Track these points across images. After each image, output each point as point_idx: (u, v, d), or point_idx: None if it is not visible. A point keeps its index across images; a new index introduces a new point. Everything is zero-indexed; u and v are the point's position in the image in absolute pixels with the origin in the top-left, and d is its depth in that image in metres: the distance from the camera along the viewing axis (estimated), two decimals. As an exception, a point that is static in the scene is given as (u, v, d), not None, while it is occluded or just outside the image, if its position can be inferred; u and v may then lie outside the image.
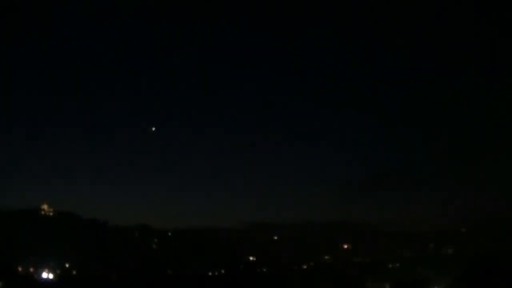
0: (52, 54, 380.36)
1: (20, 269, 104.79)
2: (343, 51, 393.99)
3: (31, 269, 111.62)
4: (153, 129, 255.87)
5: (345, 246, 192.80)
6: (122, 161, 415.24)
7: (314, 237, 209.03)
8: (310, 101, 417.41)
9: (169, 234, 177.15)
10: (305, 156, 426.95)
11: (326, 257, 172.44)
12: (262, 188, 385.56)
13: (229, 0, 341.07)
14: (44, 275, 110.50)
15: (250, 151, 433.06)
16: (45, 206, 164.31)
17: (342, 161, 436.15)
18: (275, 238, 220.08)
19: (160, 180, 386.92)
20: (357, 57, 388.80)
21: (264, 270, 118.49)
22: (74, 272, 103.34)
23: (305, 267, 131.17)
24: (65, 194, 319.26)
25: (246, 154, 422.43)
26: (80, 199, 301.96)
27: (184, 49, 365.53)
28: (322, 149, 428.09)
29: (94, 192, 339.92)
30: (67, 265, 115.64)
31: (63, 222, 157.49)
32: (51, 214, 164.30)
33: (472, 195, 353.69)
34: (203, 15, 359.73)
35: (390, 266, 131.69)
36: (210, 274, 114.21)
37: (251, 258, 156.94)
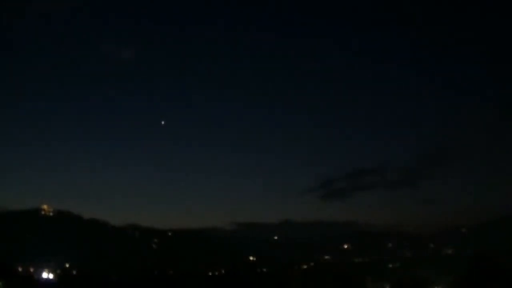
0: (50, 54, 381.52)
1: (20, 269, 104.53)
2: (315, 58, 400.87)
3: (31, 269, 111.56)
4: (163, 122, 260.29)
5: (345, 246, 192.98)
6: (122, 163, 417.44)
7: (311, 237, 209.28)
8: (293, 106, 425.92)
9: (169, 234, 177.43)
10: (287, 157, 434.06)
11: (326, 257, 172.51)
12: (247, 190, 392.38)
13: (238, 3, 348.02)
14: (44, 275, 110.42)
15: (234, 153, 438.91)
16: (45, 206, 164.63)
17: (324, 161, 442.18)
18: (275, 238, 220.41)
19: (158, 181, 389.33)
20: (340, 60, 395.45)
21: (264, 270, 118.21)
22: (74, 272, 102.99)
23: (305, 267, 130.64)
24: (65, 194, 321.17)
25: (229, 156, 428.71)
26: (80, 199, 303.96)
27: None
28: (303, 150, 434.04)
29: (94, 192, 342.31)
30: (67, 265, 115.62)
31: (63, 222, 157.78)
32: (51, 214, 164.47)
33: (471, 195, 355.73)
34: (206, 16, 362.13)
35: (390, 266, 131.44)
36: (210, 274, 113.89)
37: (251, 258, 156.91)
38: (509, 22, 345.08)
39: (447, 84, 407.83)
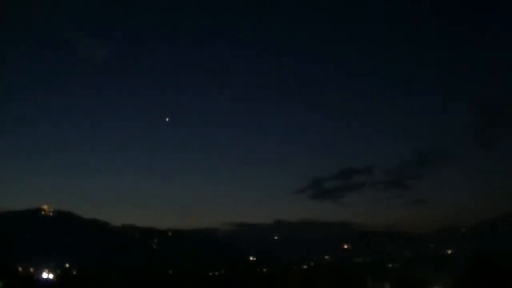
0: (50, 55, 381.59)
1: (20, 269, 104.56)
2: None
3: (31, 269, 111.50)
4: (167, 119, 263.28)
5: (345, 246, 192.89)
6: (122, 163, 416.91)
7: (309, 237, 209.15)
8: (285, 107, 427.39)
9: (169, 234, 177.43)
10: (276, 157, 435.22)
11: (326, 257, 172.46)
12: (238, 191, 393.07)
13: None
14: (44, 275, 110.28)
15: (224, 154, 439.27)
16: (45, 206, 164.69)
17: (313, 161, 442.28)
18: (275, 238, 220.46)
19: (158, 182, 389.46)
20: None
21: (264, 270, 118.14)
22: (74, 272, 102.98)
23: (305, 267, 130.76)
24: (65, 194, 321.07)
25: (220, 158, 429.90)
26: (80, 199, 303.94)
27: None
28: (292, 150, 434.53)
29: (94, 192, 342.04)
30: (67, 265, 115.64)
31: (63, 222, 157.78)
32: (51, 214, 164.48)
33: (471, 195, 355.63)
34: (207, 17, 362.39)
35: (390, 266, 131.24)
36: (210, 274, 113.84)
37: (251, 258, 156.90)
38: (497, 26, 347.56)
39: (439, 85, 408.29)
